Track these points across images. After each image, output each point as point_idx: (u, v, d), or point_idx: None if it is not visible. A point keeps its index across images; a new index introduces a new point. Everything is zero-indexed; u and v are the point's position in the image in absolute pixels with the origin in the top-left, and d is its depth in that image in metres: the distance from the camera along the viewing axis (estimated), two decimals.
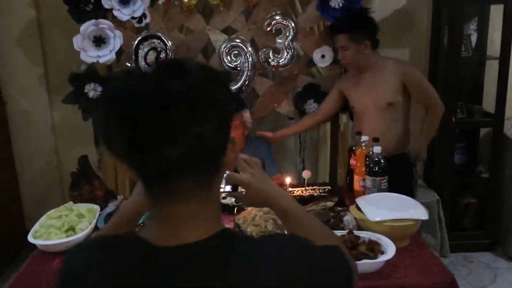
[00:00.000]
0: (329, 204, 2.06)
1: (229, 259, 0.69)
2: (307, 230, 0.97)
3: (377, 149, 2.07)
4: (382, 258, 1.63)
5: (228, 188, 1.06)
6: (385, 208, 1.87)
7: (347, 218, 2.02)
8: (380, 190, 2.08)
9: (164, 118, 0.65)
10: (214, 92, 0.70)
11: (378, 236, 1.77)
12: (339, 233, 1.81)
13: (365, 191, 2.17)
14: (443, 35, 3.26)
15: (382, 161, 2.07)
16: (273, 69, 2.98)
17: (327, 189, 2.37)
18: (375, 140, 2.17)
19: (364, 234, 1.80)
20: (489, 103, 3.33)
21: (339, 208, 2.09)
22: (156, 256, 0.69)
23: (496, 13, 3.22)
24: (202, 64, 0.74)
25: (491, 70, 3.32)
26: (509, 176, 3.16)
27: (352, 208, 1.97)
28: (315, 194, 2.31)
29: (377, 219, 1.82)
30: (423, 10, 3.36)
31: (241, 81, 2.94)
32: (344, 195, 2.31)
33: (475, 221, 3.28)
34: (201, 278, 0.67)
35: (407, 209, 1.89)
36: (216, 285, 0.67)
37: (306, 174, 2.42)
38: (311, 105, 3.01)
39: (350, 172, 2.46)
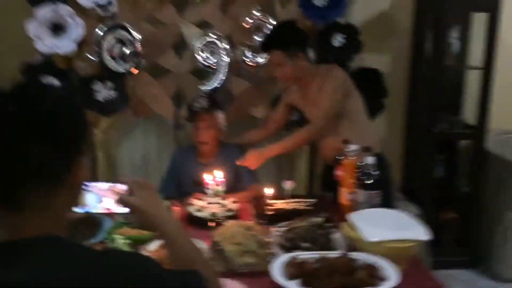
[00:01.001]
0: (318, 220, 1.85)
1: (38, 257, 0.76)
2: (186, 259, 1.01)
3: (369, 159, 1.88)
4: (386, 286, 1.43)
5: (124, 208, 1.06)
6: (382, 227, 1.68)
7: (337, 237, 1.82)
8: (372, 205, 1.89)
9: None
10: (53, 116, 0.78)
11: (375, 258, 1.58)
12: (329, 254, 1.60)
13: (354, 205, 1.98)
14: (425, 41, 3.14)
15: (375, 172, 1.89)
16: (251, 69, 2.75)
17: (312, 203, 2.16)
18: (366, 150, 1.99)
19: (359, 257, 1.59)
20: (469, 115, 3.24)
21: (326, 225, 1.88)
22: None
23: (479, 22, 3.13)
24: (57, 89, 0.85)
25: (473, 80, 3.23)
26: (490, 190, 3.06)
27: (344, 225, 1.77)
28: (299, 208, 2.10)
29: (375, 239, 1.63)
30: (405, 14, 3.23)
31: (216, 81, 2.70)
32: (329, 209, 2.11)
33: (455, 237, 3.17)
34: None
35: (406, 228, 1.70)
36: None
37: (288, 185, 2.20)
38: None
39: (330, 185, 2.28)
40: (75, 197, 0.88)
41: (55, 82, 2.49)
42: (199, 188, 2.31)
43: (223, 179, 2.19)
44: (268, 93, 2.86)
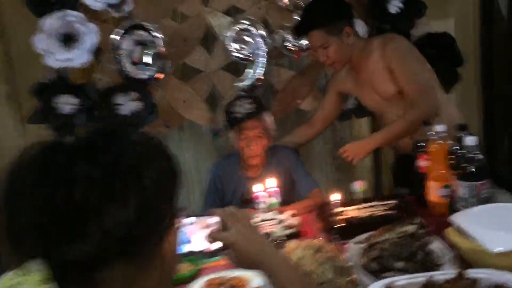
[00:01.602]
0: (410, 229, 1.39)
1: None
2: None
3: (469, 140, 1.41)
4: None
5: (217, 244, 0.92)
6: (505, 230, 1.21)
7: (436, 247, 1.36)
8: (480, 200, 1.42)
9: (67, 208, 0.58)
10: (137, 173, 0.62)
11: (505, 275, 1.10)
12: (438, 276, 1.14)
13: (451, 203, 1.50)
14: None
15: (480, 156, 1.41)
16: (294, 56, 2.32)
17: (392, 205, 1.70)
18: (462, 128, 1.52)
19: (482, 274, 1.12)
20: None
21: (421, 233, 1.42)
22: None
23: None
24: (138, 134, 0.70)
25: None
26: None
27: (449, 232, 1.31)
28: (379, 214, 1.64)
29: (500, 248, 1.15)
30: None
31: (254, 75, 2.30)
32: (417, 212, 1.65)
33: None
34: None
35: None
36: None
37: (358, 185, 1.76)
38: None
39: (406, 180, 1.83)
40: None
41: (71, 100, 2.17)
42: (248, 206, 1.92)
43: (276, 189, 1.77)
44: (316, 81, 2.43)
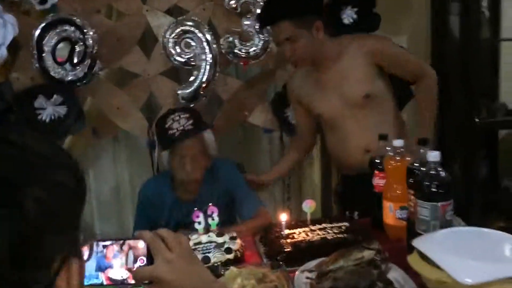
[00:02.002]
0: (367, 255, 1.20)
1: None
2: None
3: (433, 155, 1.25)
4: None
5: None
6: (475, 259, 1.04)
7: (396, 276, 1.19)
8: (444, 223, 1.25)
9: None
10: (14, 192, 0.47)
11: None
12: None
13: (412, 226, 1.34)
14: (449, 14, 2.56)
15: (443, 174, 1.26)
16: (241, 63, 2.14)
17: (344, 227, 1.52)
18: (423, 143, 1.37)
19: None
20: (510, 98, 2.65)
21: (380, 260, 1.24)
22: None
23: None
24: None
25: (508, 54, 2.66)
26: None
27: (412, 259, 1.13)
28: (330, 237, 1.45)
29: (471, 280, 0.99)
30: None
31: (197, 82, 2.09)
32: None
33: None
34: None
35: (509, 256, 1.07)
36: None
37: (309, 205, 1.56)
38: None
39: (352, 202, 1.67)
40: None
41: None
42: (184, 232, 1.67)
43: (214, 208, 1.54)
44: (265, 92, 2.25)
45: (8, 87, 1.94)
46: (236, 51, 2.10)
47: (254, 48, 2.09)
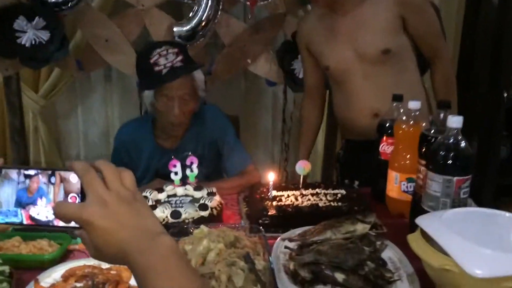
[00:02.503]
0: (361, 228, 1.01)
1: None
2: None
3: (455, 120, 1.04)
4: None
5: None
6: (488, 246, 0.85)
7: (391, 257, 1.01)
8: (457, 201, 1.05)
9: None
10: None
11: None
12: None
13: (418, 202, 1.14)
14: None
15: (463, 143, 1.04)
16: (248, 3, 1.90)
17: (340, 195, 1.33)
18: (443, 106, 1.15)
19: None
20: None
21: (374, 236, 1.05)
22: None
23: None
24: None
25: None
26: None
27: (412, 240, 0.94)
28: (322, 204, 1.26)
29: (484, 273, 0.80)
30: None
31: (196, 19, 1.86)
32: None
33: None
34: None
35: None
36: None
37: (302, 166, 1.37)
38: None
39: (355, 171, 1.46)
40: None
41: None
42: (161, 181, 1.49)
43: (194, 158, 1.35)
44: (271, 40, 2.02)
45: None
46: None
47: None
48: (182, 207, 1.22)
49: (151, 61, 1.49)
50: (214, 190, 1.32)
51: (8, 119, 1.95)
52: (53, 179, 0.64)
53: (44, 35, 1.78)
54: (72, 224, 0.58)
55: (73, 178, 0.65)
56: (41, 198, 0.65)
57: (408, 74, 1.66)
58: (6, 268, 0.91)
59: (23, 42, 1.76)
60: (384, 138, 1.39)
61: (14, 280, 0.90)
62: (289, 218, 1.22)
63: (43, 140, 2.38)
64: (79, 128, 2.52)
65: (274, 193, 1.33)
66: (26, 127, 2.12)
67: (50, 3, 1.76)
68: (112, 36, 1.89)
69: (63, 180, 0.66)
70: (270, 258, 0.97)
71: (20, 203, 0.65)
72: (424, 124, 1.25)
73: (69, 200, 0.66)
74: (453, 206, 1.05)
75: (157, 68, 1.49)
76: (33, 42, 1.77)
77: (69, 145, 2.54)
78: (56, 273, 0.98)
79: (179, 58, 1.50)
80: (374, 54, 1.60)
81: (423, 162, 1.14)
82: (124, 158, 1.65)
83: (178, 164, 1.32)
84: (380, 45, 1.58)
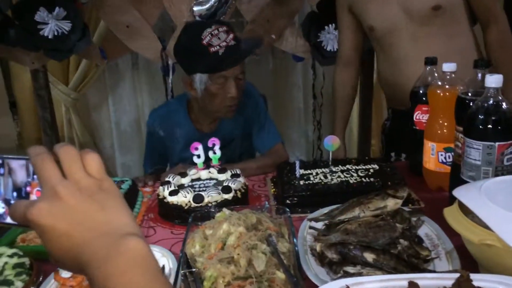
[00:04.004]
0: (392, 204, 0.93)
1: None
2: None
3: (495, 79, 0.93)
4: None
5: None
6: None
7: (427, 234, 0.93)
8: (501, 169, 0.95)
9: None
10: None
11: None
12: (426, 279, 0.71)
13: (457, 172, 1.05)
14: None
15: (506, 105, 0.94)
16: None
17: (372, 170, 1.25)
18: (483, 65, 1.04)
19: (494, 284, 0.69)
20: None
21: (409, 212, 0.97)
22: None
23: None
24: None
25: None
26: None
27: (448, 213, 0.85)
28: (352, 181, 1.19)
29: None
30: None
31: None
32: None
33: None
34: None
35: None
36: None
37: (332, 141, 1.29)
38: (330, 35, 1.86)
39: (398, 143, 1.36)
40: None
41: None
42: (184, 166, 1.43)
43: (217, 140, 1.29)
44: (296, 12, 1.92)
45: None
46: None
47: None
48: (205, 190, 1.18)
49: (204, 42, 1.37)
50: (238, 171, 1.26)
51: (38, 113, 1.97)
52: (3, 169, 0.53)
53: (66, 25, 1.77)
54: None
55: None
56: None
57: (461, 38, 1.52)
58: (26, 260, 0.90)
59: (45, 34, 1.76)
60: (418, 106, 1.29)
61: (34, 271, 0.89)
62: (317, 197, 1.15)
63: (77, 133, 2.41)
64: (111, 118, 2.54)
65: (302, 171, 1.26)
66: (59, 121, 2.14)
67: None
68: (132, 21, 1.86)
69: (12, 170, 0.54)
70: (295, 240, 0.91)
71: None
72: (461, 88, 1.14)
73: (33, 196, 0.54)
74: (496, 175, 0.95)
75: (212, 49, 1.37)
76: (56, 33, 1.77)
77: (102, 136, 2.56)
78: None
79: (231, 36, 1.40)
80: (423, 10, 1.47)
81: (461, 128, 1.03)
82: (158, 145, 1.61)
83: (200, 147, 1.28)
84: (430, 1, 1.46)
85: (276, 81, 2.39)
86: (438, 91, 1.17)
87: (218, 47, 1.37)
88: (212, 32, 1.39)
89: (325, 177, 1.23)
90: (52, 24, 1.76)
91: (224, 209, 1.02)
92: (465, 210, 0.83)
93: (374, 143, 2.20)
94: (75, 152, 0.48)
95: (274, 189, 1.30)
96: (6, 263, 0.87)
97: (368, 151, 2.14)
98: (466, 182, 1.00)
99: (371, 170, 1.25)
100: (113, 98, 2.51)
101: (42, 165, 0.46)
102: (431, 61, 1.26)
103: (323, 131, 2.23)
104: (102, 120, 2.53)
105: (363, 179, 1.20)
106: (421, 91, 1.28)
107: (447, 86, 1.16)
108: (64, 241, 0.44)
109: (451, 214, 0.85)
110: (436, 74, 1.24)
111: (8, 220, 0.52)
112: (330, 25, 1.86)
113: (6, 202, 0.52)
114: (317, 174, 1.26)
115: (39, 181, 0.47)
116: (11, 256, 0.89)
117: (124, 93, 2.50)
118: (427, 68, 1.27)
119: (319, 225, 1.00)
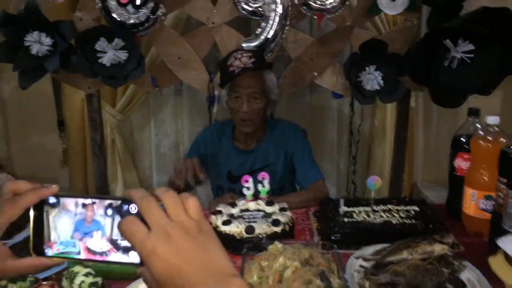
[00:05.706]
0: (439, 249, 1.00)
1: None
2: None
3: None
4: None
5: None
6: None
7: (469, 277, 0.98)
8: None
9: None
10: None
11: None
12: None
13: (497, 221, 1.10)
14: None
15: None
16: (315, 17, 1.92)
17: (413, 212, 1.31)
18: None
19: None
20: None
21: (449, 255, 1.03)
22: None
23: None
24: None
25: None
26: None
27: (495, 261, 0.91)
28: (395, 222, 1.25)
29: None
30: None
31: (264, 35, 1.90)
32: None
33: None
34: None
35: None
36: None
37: (374, 181, 1.36)
38: (371, 75, 1.94)
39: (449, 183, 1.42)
40: None
41: (43, 39, 1.81)
42: (236, 185, 1.57)
43: (266, 174, 1.39)
44: (338, 52, 2.02)
45: (70, 26, 1.87)
46: (310, 2, 1.88)
47: (330, 1, 1.85)
48: (255, 222, 1.25)
49: (228, 63, 1.66)
50: (286, 205, 1.34)
51: (90, 134, 2.09)
52: (109, 211, 0.57)
53: (123, 55, 1.89)
54: (131, 260, 0.54)
55: (132, 208, 0.55)
56: (97, 230, 0.58)
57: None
58: (99, 280, 0.98)
59: (103, 62, 1.88)
60: (460, 153, 1.35)
61: None
62: (361, 235, 1.22)
63: (119, 152, 2.53)
64: (152, 140, 2.65)
65: (345, 208, 1.33)
66: (104, 140, 2.26)
67: (128, 25, 1.87)
68: (184, 53, 1.97)
69: (117, 209, 0.57)
70: (345, 276, 0.98)
71: (77, 235, 0.59)
72: (504, 140, 1.20)
73: None
74: None
75: (231, 69, 1.65)
76: (113, 62, 1.89)
77: (142, 156, 2.68)
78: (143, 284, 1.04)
79: (252, 60, 1.65)
80: None
81: (504, 180, 1.10)
82: (199, 152, 1.81)
83: (250, 179, 1.36)
84: None
85: (312, 115, 2.48)
86: (481, 142, 1.23)
87: (236, 67, 1.64)
88: (236, 56, 1.67)
89: (368, 215, 1.30)
90: (110, 53, 1.88)
91: (276, 242, 1.10)
92: (509, 260, 0.89)
93: (406, 180, 2.25)
94: (177, 196, 0.52)
95: (317, 224, 1.37)
96: (82, 281, 0.95)
97: (401, 190, 2.19)
98: (506, 231, 1.06)
99: (412, 212, 1.31)
100: (155, 121, 2.62)
101: (149, 207, 0.51)
102: (474, 112, 1.33)
103: (357, 166, 2.30)
104: (143, 142, 2.65)
105: (405, 220, 1.26)
106: (462, 139, 1.35)
107: (489, 138, 1.23)
108: (175, 275, 0.47)
109: (496, 263, 0.91)
110: (477, 125, 1.31)
111: (113, 259, 0.56)
112: (371, 66, 1.95)
113: (112, 242, 0.55)
114: (360, 212, 1.32)
115: (146, 220, 0.50)
116: (86, 275, 0.97)
117: (166, 117, 2.61)
118: (469, 119, 1.34)
119: (366, 263, 1.06)
